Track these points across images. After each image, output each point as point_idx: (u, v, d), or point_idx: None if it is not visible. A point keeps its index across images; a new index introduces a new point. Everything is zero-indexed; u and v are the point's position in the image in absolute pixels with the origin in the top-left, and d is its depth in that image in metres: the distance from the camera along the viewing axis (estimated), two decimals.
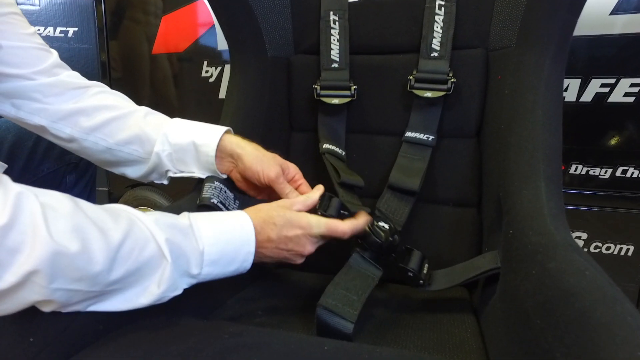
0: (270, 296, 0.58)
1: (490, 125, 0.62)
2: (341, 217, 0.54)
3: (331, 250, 0.53)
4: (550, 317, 0.29)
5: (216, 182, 0.55)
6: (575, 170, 0.93)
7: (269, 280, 0.65)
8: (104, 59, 1.23)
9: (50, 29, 1.19)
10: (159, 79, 1.19)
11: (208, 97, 1.16)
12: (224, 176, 0.57)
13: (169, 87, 1.18)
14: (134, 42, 1.21)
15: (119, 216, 0.36)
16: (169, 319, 0.41)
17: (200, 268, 0.41)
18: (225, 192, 0.56)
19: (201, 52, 1.14)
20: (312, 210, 0.53)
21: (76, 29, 1.20)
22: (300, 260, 0.50)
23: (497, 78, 0.62)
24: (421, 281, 0.54)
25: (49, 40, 1.18)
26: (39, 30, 1.18)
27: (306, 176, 0.72)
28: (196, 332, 0.39)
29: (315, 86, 0.68)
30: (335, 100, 0.67)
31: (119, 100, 0.56)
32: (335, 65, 0.70)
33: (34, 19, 1.17)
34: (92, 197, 0.82)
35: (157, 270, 0.37)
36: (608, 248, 0.96)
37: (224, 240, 0.43)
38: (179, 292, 0.40)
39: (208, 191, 0.54)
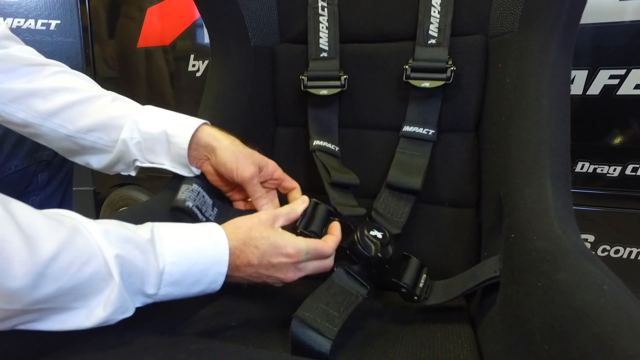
0: (248, 307, 0.53)
1: (490, 117, 0.57)
2: (329, 222, 0.49)
3: None
4: (561, 343, 0.24)
5: (195, 185, 0.51)
6: (582, 168, 0.87)
7: (246, 289, 0.59)
8: (89, 52, 1.18)
9: (32, 21, 1.14)
10: (144, 74, 1.14)
11: (195, 93, 1.11)
12: (197, 170, 0.52)
13: (154, 83, 1.13)
14: (120, 36, 1.16)
15: (60, 225, 0.31)
16: (121, 335, 0.36)
17: (158, 288, 0.36)
18: (203, 196, 0.51)
19: (188, 46, 1.09)
20: (293, 225, 0.48)
21: (59, 21, 1.15)
22: (279, 285, 0.45)
23: (498, 66, 0.57)
24: (416, 297, 0.49)
25: (30, 33, 1.14)
26: (19, 22, 1.13)
27: (294, 174, 0.68)
28: (150, 351, 0.34)
29: (303, 77, 0.63)
30: (324, 91, 0.62)
31: (82, 83, 0.50)
32: (324, 54, 0.65)
33: (13, 10, 1.12)
34: (67, 197, 0.77)
35: (102, 290, 0.32)
36: (617, 251, 0.90)
37: (190, 259, 0.37)
38: (129, 313, 0.35)
39: (184, 193, 0.49)
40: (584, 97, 0.84)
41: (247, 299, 0.56)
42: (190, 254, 0.37)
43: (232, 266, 0.40)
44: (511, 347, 0.32)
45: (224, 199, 0.55)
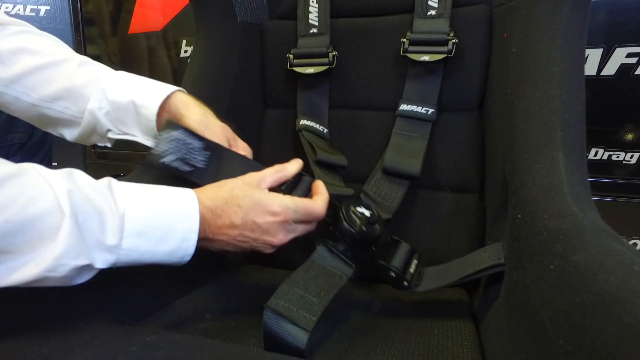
0: (226, 297, 0.49)
1: (494, 92, 0.52)
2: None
3: (312, 240, 0.43)
4: (581, 337, 0.19)
5: (175, 132, 0.45)
6: (595, 155, 0.82)
7: (229, 278, 0.55)
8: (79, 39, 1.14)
9: (20, 6, 1.11)
10: (136, 61, 1.10)
11: None
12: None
13: (145, 69, 1.09)
14: (112, 23, 1.12)
15: (5, 163, 0.28)
16: (74, 321, 0.32)
17: (120, 238, 0.31)
18: (187, 143, 0.45)
19: (180, 30, 1.05)
20: (277, 190, 0.43)
21: (48, 7, 1.12)
22: (269, 251, 0.40)
23: (503, 37, 0.52)
24: (405, 282, 0.43)
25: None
26: (7, 8, 1.10)
27: (282, 159, 0.63)
28: (99, 341, 0.30)
29: (289, 55, 0.59)
30: (310, 70, 0.58)
31: (47, 44, 0.45)
32: (314, 30, 0.60)
33: None
34: None
35: (55, 230, 0.28)
36: (634, 245, 0.84)
37: (153, 208, 0.33)
38: (84, 260, 0.30)
39: (163, 144, 0.43)
40: (598, 78, 0.78)
41: (225, 290, 0.51)
42: (153, 204, 0.33)
43: (213, 227, 0.37)
44: (517, 343, 0.27)
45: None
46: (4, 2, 1.10)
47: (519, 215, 0.34)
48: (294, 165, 0.45)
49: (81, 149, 1.21)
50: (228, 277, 0.56)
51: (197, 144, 0.48)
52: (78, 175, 0.31)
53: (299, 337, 0.33)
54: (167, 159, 0.43)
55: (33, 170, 0.29)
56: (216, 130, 0.46)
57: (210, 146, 0.49)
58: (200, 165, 0.47)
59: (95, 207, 0.30)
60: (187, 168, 0.45)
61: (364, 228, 0.42)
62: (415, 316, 0.45)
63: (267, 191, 0.40)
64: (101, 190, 0.32)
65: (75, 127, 0.46)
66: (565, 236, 0.26)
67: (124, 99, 0.44)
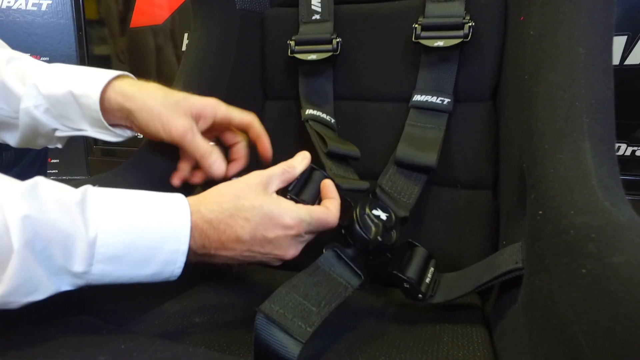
0: (219, 300, 0.45)
1: (510, 79, 0.48)
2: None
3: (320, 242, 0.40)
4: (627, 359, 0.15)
5: None
6: (618, 150, 0.77)
7: (224, 279, 0.52)
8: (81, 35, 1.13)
9: (22, 1, 1.09)
10: (138, 55, 1.08)
11: None
12: (126, 133, 0.42)
13: (148, 64, 1.07)
14: (114, 17, 1.11)
15: None
16: (46, 326, 0.29)
17: (89, 265, 0.28)
18: None
19: (181, 23, 1.03)
20: (283, 190, 0.39)
21: (50, 2, 1.10)
22: (278, 264, 0.37)
23: (519, 20, 0.48)
24: (420, 295, 0.40)
25: (21, 14, 1.09)
26: (9, 3, 1.09)
27: (285, 153, 0.60)
28: (66, 350, 0.27)
29: (290, 42, 0.55)
30: (313, 56, 0.54)
31: None
32: (317, 16, 0.57)
33: None
34: None
35: (2, 263, 0.25)
36: None
37: (134, 227, 0.29)
38: (39, 296, 0.27)
39: None
40: (621, 68, 0.74)
41: (222, 291, 0.48)
42: (134, 220, 0.29)
43: (215, 243, 0.33)
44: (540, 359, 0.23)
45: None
46: None
47: (540, 212, 0.30)
48: (301, 162, 0.41)
49: (83, 146, 1.20)
50: (223, 277, 0.53)
51: None
52: (44, 191, 0.27)
53: (290, 348, 0.29)
54: None
55: None
56: (171, 114, 0.40)
57: None
58: None
59: (59, 231, 0.26)
60: None
61: (379, 238, 0.39)
62: (424, 322, 0.41)
63: (277, 198, 0.36)
64: (70, 209, 0.27)
65: (15, 130, 0.41)
66: (599, 235, 0.22)
67: (60, 91, 0.39)
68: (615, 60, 0.73)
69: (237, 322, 0.40)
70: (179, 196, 0.33)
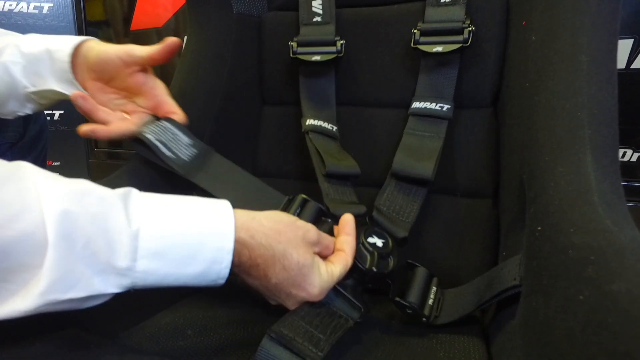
0: (213, 311, 0.44)
1: (511, 87, 0.47)
2: (319, 223, 0.41)
3: None
4: None
5: (164, 121, 0.46)
6: (623, 156, 0.75)
7: (219, 289, 0.51)
8: None
9: (24, 4, 1.10)
10: None
11: None
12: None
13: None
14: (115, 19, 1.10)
15: None
16: (29, 339, 0.28)
17: (133, 259, 0.27)
18: (174, 134, 0.46)
19: (182, 26, 1.02)
20: None
21: (51, 4, 1.10)
22: (274, 304, 0.37)
23: (521, 25, 0.46)
24: (424, 319, 0.40)
25: (22, 17, 1.09)
26: (10, 5, 1.09)
27: (283, 160, 0.59)
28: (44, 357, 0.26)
29: (292, 43, 0.54)
30: (317, 57, 0.53)
31: None
32: (318, 19, 0.56)
33: None
34: None
35: (40, 258, 0.24)
36: None
37: (177, 223, 0.29)
38: (82, 292, 0.26)
39: (147, 126, 0.45)
40: (627, 72, 0.72)
41: (217, 302, 0.47)
42: (176, 217, 0.29)
43: (244, 267, 0.32)
44: None
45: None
46: (7, 0, 1.09)
47: (539, 228, 0.29)
48: (348, 258, 0.38)
49: (85, 149, 1.20)
50: (218, 288, 0.52)
51: (185, 139, 0.47)
52: (85, 187, 0.27)
53: None
54: (149, 136, 0.43)
55: (28, 177, 0.25)
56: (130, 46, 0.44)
57: (199, 146, 0.48)
58: (183, 157, 0.46)
59: (100, 224, 0.26)
60: (168, 153, 0.44)
61: (374, 269, 0.38)
62: (420, 336, 0.40)
63: (317, 263, 0.35)
64: (113, 203, 0.27)
65: None
66: (599, 257, 0.21)
67: (38, 49, 0.43)
68: (622, 64, 0.72)
69: (229, 337, 0.40)
70: (224, 200, 0.32)
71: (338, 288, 0.38)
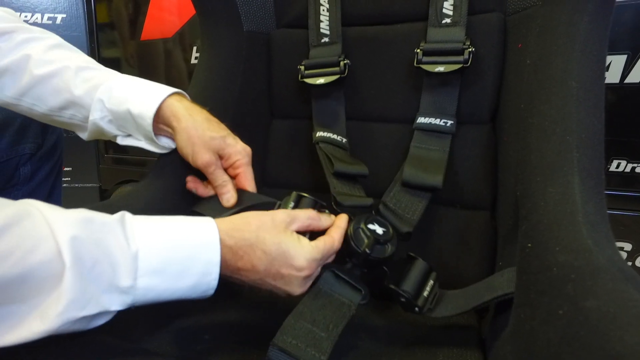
0: (229, 315, 0.47)
1: (507, 106, 0.49)
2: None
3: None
4: None
5: None
6: (617, 167, 0.77)
7: (236, 293, 0.54)
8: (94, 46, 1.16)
9: (38, 15, 1.13)
10: (149, 69, 1.11)
11: None
12: (172, 145, 0.49)
13: (158, 78, 1.10)
14: (125, 29, 1.14)
15: (4, 207, 0.26)
16: (63, 344, 0.31)
17: (134, 278, 0.30)
18: None
19: (191, 37, 1.05)
20: None
21: (64, 15, 1.14)
22: (284, 296, 0.39)
23: (517, 47, 0.49)
24: (417, 308, 0.42)
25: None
26: (26, 17, 1.13)
27: (292, 171, 0.61)
28: None
29: (300, 66, 0.57)
30: (321, 80, 0.56)
31: (51, 51, 0.46)
32: (326, 39, 0.59)
33: (20, 4, 1.12)
34: (55, 191, 0.74)
35: (56, 282, 0.27)
36: None
37: (170, 242, 0.32)
38: (93, 309, 0.28)
39: None
40: (621, 87, 0.74)
41: (233, 306, 0.50)
42: (168, 236, 0.32)
43: (232, 268, 0.35)
44: None
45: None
46: (24, 11, 1.12)
47: (529, 245, 0.32)
48: (328, 219, 0.42)
49: (95, 155, 1.23)
50: (231, 292, 0.55)
51: None
52: (87, 215, 0.30)
53: None
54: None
55: (37, 212, 0.28)
56: (201, 146, 0.46)
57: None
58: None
59: (105, 249, 0.29)
60: None
61: (367, 250, 0.40)
62: (420, 342, 0.43)
63: (295, 237, 0.38)
64: (112, 228, 0.30)
65: (84, 131, 0.49)
66: (578, 275, 0.24)
67: (120, 109, 0.45)
68: (616, 79, 0.74)
69: (244, 341, 0.42)
70: (207, 218, 0.36)
71: (336, 271, 0.40)
